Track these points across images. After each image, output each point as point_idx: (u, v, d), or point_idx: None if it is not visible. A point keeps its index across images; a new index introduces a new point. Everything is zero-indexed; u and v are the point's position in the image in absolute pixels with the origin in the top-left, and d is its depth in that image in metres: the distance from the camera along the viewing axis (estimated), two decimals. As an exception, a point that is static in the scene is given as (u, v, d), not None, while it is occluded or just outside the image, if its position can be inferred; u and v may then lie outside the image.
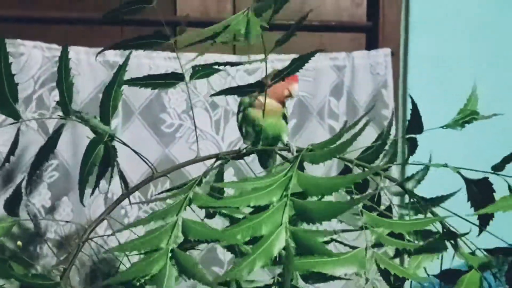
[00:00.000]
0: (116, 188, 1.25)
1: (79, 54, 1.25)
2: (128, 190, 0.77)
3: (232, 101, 1.33)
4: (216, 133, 1.34)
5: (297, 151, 0.77)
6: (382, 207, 0.73)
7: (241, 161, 1.30)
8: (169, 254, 0.59)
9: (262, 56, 1.33)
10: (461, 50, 1.50)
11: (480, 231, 0.67)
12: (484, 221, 0.67)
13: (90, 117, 0.77)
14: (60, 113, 0.80)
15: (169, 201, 0.66)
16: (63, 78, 0.77)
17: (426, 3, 1.47)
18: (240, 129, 0.86)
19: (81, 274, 1.25)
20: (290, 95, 0.83)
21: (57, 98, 0.79)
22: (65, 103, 0.78)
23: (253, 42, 0.66)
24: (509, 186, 0.65)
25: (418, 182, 0.72)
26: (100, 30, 1.35)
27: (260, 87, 0.76)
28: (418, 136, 0.72)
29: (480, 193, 0.66)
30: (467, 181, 0.67)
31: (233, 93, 0.79)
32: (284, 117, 0.85)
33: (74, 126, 1.22)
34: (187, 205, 0.64)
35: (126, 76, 0.79)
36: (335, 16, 1.47)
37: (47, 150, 0.81)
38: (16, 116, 0.78)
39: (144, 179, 0.78)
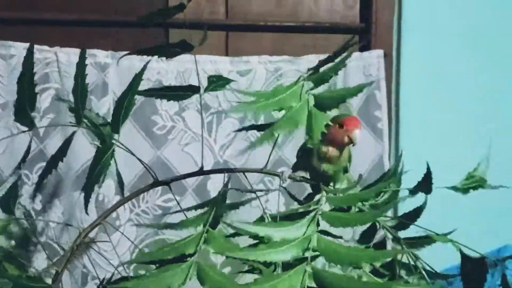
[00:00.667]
0: (106, 190, 1.24)
1: (69, 56, 1.24)
2: (123, 196, 0.77)
3: (224, 103, 1.32)
4: (208, 135, 1.33)
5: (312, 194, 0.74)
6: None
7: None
8: None
9: (255, 57, 1.35)
10: (454, 52, 1.49)
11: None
12: None
13: (97, 118, 0.76)
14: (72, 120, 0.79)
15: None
16: (79, 85, 0.76)
17: (419, 5, 1.46)
18: (298, 167, 0.81)
19: (73, 277, 1.24)
20: (350, 142, 0.73)
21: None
22: (78, 110, 0.77)
23: (316, 140, 0.63)
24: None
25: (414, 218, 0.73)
26: (92, 31, 1.34)
27: (195, 91, 0.74)
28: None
29: (473, 271, 0.67)
30: (464, 257, 0.68)
31: (164, 97, 0.76)
32: (346, 161, 0.77)
33: (65, 129, 1.21)
34: (201, 246, 0.62)
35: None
36: (328, 18, 1.47)
37: (58, 158, 0.81)
38: (31, 124, 0.77)
39: (144, 186, 0.77)
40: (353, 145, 0.73)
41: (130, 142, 1.27)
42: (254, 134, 1.35)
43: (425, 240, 0.70)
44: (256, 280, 0.57)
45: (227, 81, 0.77)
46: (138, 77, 0.74)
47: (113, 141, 0.75)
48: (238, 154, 1.33)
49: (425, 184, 0.70)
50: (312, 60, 1.37)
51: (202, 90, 0.76)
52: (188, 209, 0.72)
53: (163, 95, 0.76)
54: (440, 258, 0.73)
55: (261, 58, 1.36)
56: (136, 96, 1.26)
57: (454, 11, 1.49)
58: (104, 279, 0.80)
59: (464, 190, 0.72)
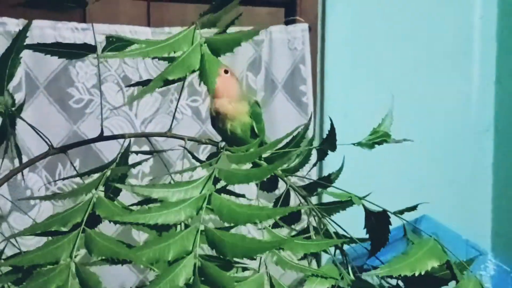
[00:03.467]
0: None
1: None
2: (21, 164, 0.71)
3: (146, 75, 1.27)
4: (129, 109, 1.28)
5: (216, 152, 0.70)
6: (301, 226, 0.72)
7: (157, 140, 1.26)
8: (72, 270, 0.53)
9: (178, 28, 1.30)
10: (377, 25, 1.51)
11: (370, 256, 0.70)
12: (374, 250, 0.69)
13: None
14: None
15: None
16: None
17: (343, -22, 1.47)
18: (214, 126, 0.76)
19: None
20: None
21: None
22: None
23: (212, 88, 0.59)
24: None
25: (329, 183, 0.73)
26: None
27: (91, 50, 0.69)
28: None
29: (377, 224, 0.67)
30: (368, 212, 0.68)
31: (56, 54, 0.70)
32: (254, 132, 0.74)
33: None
34: (90, 212, 0.57)
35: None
36: (253, -11, 1.44)
37: None
38: None
39: (38, 155, 0.71)
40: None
41: (44, 115, 1.20)
42: (178, 109, 1.31)
43: (339, 205, 0.70)
44: (146, 242, 0.54)
45: (129, 42, 0.71)
46: (22, 34, 0.68)
47: (11, 111, 0.69)
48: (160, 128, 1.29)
49: (329, 141, 0.69)
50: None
51: (99, 51, 0.70)
52: (83, 174, 0.68)
53: (55, 51, 0.70)
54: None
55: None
56: (51, 68, 1.22)
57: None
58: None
59: (369, 145, 0.72)
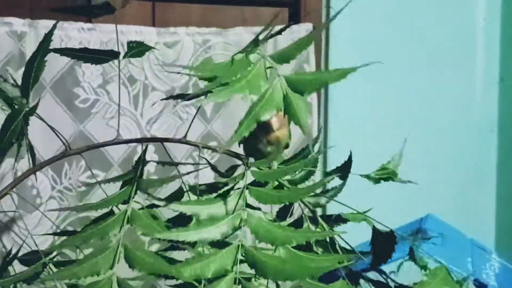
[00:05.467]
0: (25, 166, 1.17)
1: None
2: (35, 166, 0.71)
3: (151, 75, 1.28)
4: (134, 108, 1.29)
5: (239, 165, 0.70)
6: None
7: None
8: (114, 283, 0.55)
9: (183, 29, 1.31)
10: (383, 25, 1.52)
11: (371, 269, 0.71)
12: (376, 265, 0.70)
13: (12, 89, 0.70)
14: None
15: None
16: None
17: (348, -22, 1.47)
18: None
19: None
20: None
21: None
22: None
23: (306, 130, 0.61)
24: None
25: (332, 197, 0.74)
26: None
27: (114, 56, 0.71)
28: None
29: (383, 243, 0.68)
30: (375, 231, 0.70)
31: (81, 58, 0.71)
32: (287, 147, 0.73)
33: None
34: (125, 225, 0.59)
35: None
36: (257, -10, 1.45)
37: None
38: None
39: (54, 156, 0.72)
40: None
41: (50, 115, 1.21)
42: (183, 109, 1.32)
43: (341, 218, 0.72)
44: (188, 260, 0.56)
45: (148, 48, 0.73)
46: (48, 37, 0.69)
47: (23, 106, 0.70)
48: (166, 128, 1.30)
49: (343, 170, 0.71)
50: (240, 32, 1.35)
51: (121, 57, 0.72)
52: (103, 182, 0.68)
53: (80, 56, 0.71)
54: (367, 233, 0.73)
55: (189, 29, 1.32)
56: (57, 68, 1.22)
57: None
58: (10, 251, 0.76)
59: (376, 179, 0.75)
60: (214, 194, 0.63)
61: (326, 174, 0.74)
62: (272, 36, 0.65)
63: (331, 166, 1.38)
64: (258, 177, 0.62)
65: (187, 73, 0.60)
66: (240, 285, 0.54)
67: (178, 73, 0.59)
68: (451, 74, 1.58)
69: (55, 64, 1.21)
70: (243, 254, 0.56)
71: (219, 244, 0.59)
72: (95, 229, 0.59)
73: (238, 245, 0.56)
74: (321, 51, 1.47)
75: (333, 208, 0.72)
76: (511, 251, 1.55)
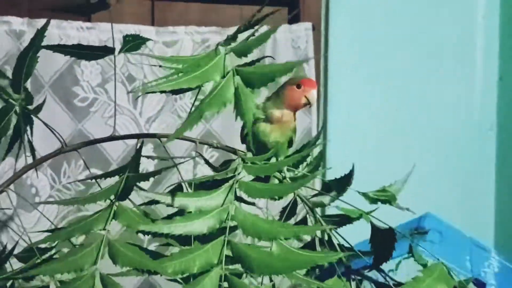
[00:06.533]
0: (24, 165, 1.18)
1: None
2: (34, 162, 0.71)
3: (150, 73, 1.28)
4: (133, 107, 1.28)
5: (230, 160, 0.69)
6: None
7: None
8: (97, 279, 0.53)
9: (182, 28, 1.31)
10: (381, 25, 1.52)
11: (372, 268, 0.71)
12: (377, 264, 0.70)
13: (5, 84, 0.70)
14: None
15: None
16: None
17: (347, -23, 1.47)
18: (244, 142, 0.74)
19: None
20: (308, 103, 0.71)
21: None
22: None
23: (249, 125, 0.59)
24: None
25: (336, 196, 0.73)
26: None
27: (109, 51, 0.70)
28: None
29: (383, 240, 0.68)
30: (374, 229, 0.69)
31: (75, 55, 0.71)
32: (294, 131, 0.74)
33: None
34: (111, 220, 0.58)
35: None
36: (256, -12, 1.45)
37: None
38: None
39: (51, 152, 0.71)
40: (310, 106, 0.72)
41: (49, 114, 1.21)
42: (182, 107, 1.32)
43: (343, 217, 0.71)
44: (172, 255, 0.54)
45: (144, 40, 0.73)
46: (40, 32, 0.69)
47: (15, 102, 0.69)
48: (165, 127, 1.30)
49: (341, 183, 0.70)
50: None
51: (116, 53, 0.71)
52: (96, 177, 0.68)
53: (75, 52, 0.71)
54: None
55: (188, 28, 1.32)
56: (56, 67, 1.22)
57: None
58: (5, 248, 0.75)
59: (373, 200, 0.72)
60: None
61: (324, 183, 0.73)
62: (254, 34, 0.65)
63: (330, 165, 1.38)
64: (250, 171, 0.61)
65: (158, 65, 0.59)
66: (227, 282, 0.53)
67: (160, 66, 0.58)
68: (450, 73, 1.58)
69: (54, 63, 1.21)
70: (231, 249, 0.54)
71: (207, 239, 0.57)
72: (79, 224, 0.58)
73: (224, 240, 0.54)
74: (321, 50, 1.47)
75: (333, 208, 0.72)
76: (510, 249, 1.55)
